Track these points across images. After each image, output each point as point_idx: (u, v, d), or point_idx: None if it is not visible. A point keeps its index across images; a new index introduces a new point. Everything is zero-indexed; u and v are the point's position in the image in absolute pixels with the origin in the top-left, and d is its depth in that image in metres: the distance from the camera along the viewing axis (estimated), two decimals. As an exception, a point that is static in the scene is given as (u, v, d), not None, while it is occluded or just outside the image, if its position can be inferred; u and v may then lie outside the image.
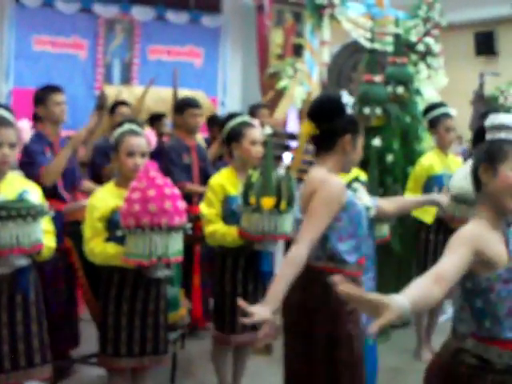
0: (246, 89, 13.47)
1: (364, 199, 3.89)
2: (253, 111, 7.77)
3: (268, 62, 12.27)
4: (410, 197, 3.81)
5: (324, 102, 3.68)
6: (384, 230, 5.36)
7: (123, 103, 7.50)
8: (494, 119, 2.86)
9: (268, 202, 4.47)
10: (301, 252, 3.33)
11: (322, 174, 3.50)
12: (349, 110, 3.61)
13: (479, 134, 2.91)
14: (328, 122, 3.55)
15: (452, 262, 2.60)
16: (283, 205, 4.49)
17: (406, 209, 4.35)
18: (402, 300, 2.37)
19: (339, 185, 3.50)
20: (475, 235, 2.72)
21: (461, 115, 8.15)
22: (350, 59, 8.13)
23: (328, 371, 3.48)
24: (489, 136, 2.84)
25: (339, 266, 3.50)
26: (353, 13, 8.45)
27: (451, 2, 15.20)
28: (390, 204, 3.76)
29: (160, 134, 7.82)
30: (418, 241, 6.12)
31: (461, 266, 2.61)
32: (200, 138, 7.58)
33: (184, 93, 8.59)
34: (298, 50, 11.43)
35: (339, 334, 3.48)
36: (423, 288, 2.52)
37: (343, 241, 3.51)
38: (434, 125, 6.13)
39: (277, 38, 12.88)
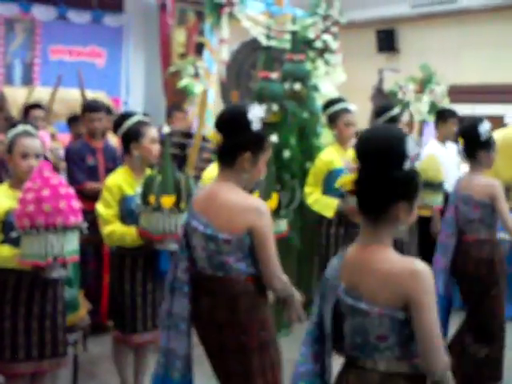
0: (149, 88, 13.40)
1: None
2: (169, 114, 7.78)
3: (171, 62, 12.24)
4: None
5: (228, 115, 3.64)
6: (282, 225, 5.40)
7: (37, 106, 7.45)
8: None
9: (168, 200, 4.49)
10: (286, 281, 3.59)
11: (245, 199, 3.55)
12: (254, 126, 3.51)
13: None
14: (230, 137, 3.52)
15: None
16: (183, 203, 4.52)
17: None
18: None
19: (267, 208, 3.58)
20: None
21: (362, 110, 8.28)
22: (250, 57, 8.17)
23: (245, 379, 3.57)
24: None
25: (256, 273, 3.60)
26: (252, 11, 8.47)
27: (353, 0, 15.49)
28: None
29: (78, 135, 7.73)
30: (319, 235, 6.19)
31: None
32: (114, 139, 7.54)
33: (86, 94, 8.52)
34: (200, 49, 11.43)
35: (251, 344, 3.56)
36: None
37: None
38: (333, 120, 6.21)
39: (180, 37, 12.87)
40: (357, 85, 13.63)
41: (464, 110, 15.16)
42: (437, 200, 6.73)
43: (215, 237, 3.48)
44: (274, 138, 6.30)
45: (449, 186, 7.11)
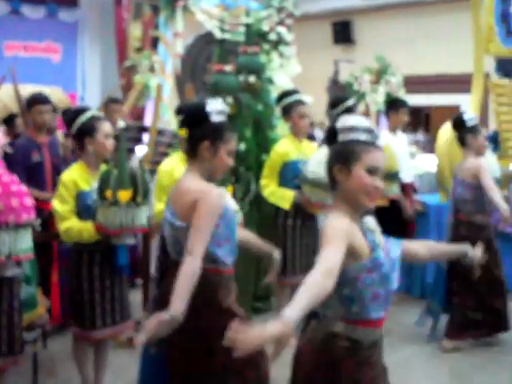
0: (106, 83, 13.33)
1: (232, 203, 3.94)
2: (105, 106, 7.71)
3: (127, 56, 12.18)
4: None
5: (188, 109, 3.83)
6: (237, 217, 5.40)
7: None
8: (344, 121, 3.01)
9: (125, 195, 4.48)
10: (197, 264, 3.45)
11: (199, 185, 3.66)
12: (214, 118, 3.69)
13: (331, 134, 3.08)
14: (192, 129, 3.71)
15: (336, 255, 2.74)
16: (140, 197, 4.52)
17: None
18: (289, 317, 2.53)
19: (218, 195, 3.65)
20: (347, 229, 2.89)
21: (318, 102, 8.32)
22: (205, 50, 8.15)
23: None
24: (341, 137, 3.02)
25: (220, 267, 3.71)
26: (206, 4, 8.47)
27: (309, -8, 15.56)
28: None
29: (15, 135, 7.64)
30: (275, 227, 6.20)
31: (342, 258, 2.76)
32: (60, 133, 7.47)
33: (42, 89, 8.41)
34: (156, 43, 11.40)
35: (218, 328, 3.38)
36: (316, 286, 2.64)
37: (221, 245, 3.68)
38: (287, 112, 6.22)
39: (135, 31, 12.82)
40: (313, 76, 13.70)
41: (420, 100, 15.34)
42: (393, 189, 6.77)
43: (173, 224, 3.68)
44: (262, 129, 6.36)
45: (402, 174, 7.18)
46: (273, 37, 7.91)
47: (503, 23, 8.46)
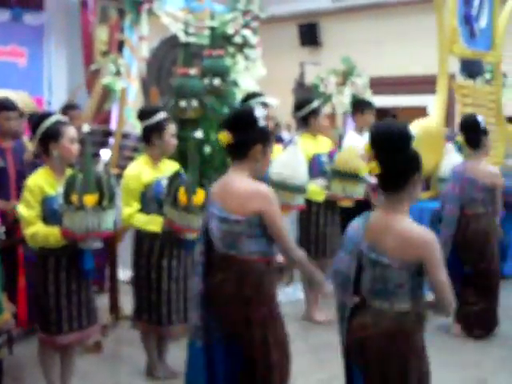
0: (72, 87, 13.22)
1: None
2: (64, 112, 7.64)
3: (93, 60, 12.11)
4: None
5: (238, 114, 4.21)
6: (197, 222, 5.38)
7: None
8: None
9: (90, 199, 4.48)
10: (301, 251, 4.18)
11: (256, 185, 4.10)
12: (261, 123, 4.08)
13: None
14: (241, 133, 4.05)
15: None
16: (106, 201, 4.52)
17: None
18: None
19: (273, 195, 4.13)
20: None
21: (285, 104, 8.34)
22: (170, 53, 8.12)
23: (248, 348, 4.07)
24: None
25: (266, 256, 4.13)
26: (171, 7, 8.45)
27: (276, -5, 15.57)
28: None
29: None
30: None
31: None
32: (26, 139, 7.40)
33: (8, 94, 8.33)
34: (122, 47, 11.36)
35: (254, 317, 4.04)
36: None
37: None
38: None
39: (102, 34, 12.75)
40: (280, 79, 13.73)
41: (387, 101, 15.41)
42: (358, 191, 6.80)
43: (227, 218, 4.02)
44: (198, 133, 6.34)
45: (369, 176, 7.21)
46: (238, 40, 7.89)
47: (466, 25, 8.54)
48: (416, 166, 3.51)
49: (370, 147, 3.46)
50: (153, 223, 5.26)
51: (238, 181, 4.10)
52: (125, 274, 7.41)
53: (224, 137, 4.13)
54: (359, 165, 6.69)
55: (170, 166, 5.47)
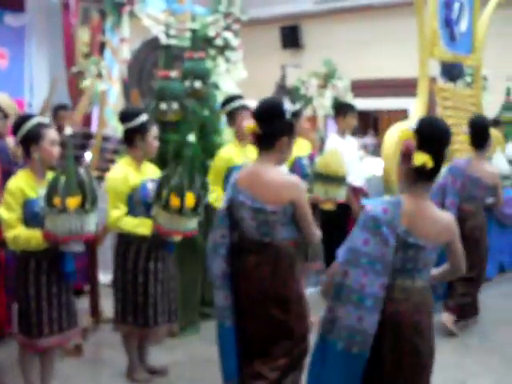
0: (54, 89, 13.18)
1: None
2: (55, 113, 7.62)
3: (75, 61, 12.07)
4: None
5: (267, 106, 4.34)
6: (193, 223, 5.38)
7: None
8: None
9: (73, 201, 4.46)
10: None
11: (287, 177, 4.41)
12: (288, 116, 4.28)
13: None
14: (269, 125, 4.24)
15: None
16: (88, 204, 4.51)
17: None
18: None
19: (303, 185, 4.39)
20: None
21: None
22: (151, 55, 8.12)
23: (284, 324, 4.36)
24: None
25: (296, 239, 4.42)
26: (153, 9, 8.46)
27: (257, -3, 15.60)
28: None
29: None
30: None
31: None
32: (11, 140, 7.38)
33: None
34: (104, 48, 11.34)
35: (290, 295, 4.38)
36: None
37: None
38: (232, 117, 6.24)
39: (83, 36, 12.68)
40: (262, 81, 13.73)
41: (368, 104, 15.47)
42: (340, 194, 6.79)
43: (263, 209, 4.24)
44: (191, 137, 6.36)
45: (351, 179, 7.23)
46: (219, 42, 7.92)
47: (447, 28, 8.59)
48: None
49: (416, 139, 3.66)
50: (142, 226, 5.24)
51: (269, 172, 4.30)
52: (105, 276, 7.40)
53: (252, 127, 4.31)
54: (341, 168, 6.70)
55: (151, 169, 5.46)
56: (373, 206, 3.74)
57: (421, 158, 3.57)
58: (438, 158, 3.62)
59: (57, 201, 4.45)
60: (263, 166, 4.32)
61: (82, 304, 6.52)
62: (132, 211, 5.27)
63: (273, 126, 4.25)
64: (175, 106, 6.31)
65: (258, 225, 4.32)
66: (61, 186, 4.48)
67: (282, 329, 4.36)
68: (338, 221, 7.38)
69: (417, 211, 3.67)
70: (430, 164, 3.58)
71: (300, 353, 4.44)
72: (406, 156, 3.65)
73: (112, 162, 6.84)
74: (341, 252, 3.80)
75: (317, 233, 4.47)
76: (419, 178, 3.66)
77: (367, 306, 3.63)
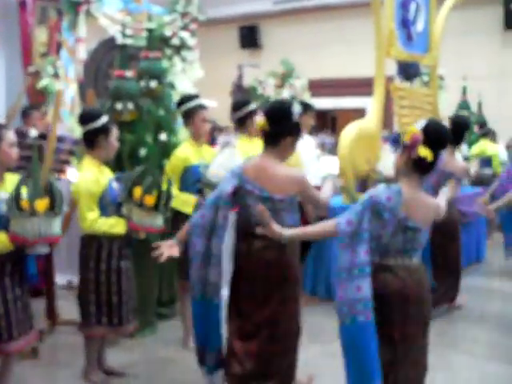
0: (11, 89, 13.05)
1: None
2: (26, 114, 7.56)
3: (32, 61, 11.99)
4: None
5: (278, 107, 4.73)
6: (159, 220, 5.37)
7: None
8: None
9: (42, 204, 4.46)
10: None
11: (294, 172, 4.74)
12: (295, 117, 4.60)
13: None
14: (277, 124, 4.59)
15: None
16: (57, 206, 4.53)
17: None
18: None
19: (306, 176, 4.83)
20: None
21: (224, 106, 8.35)
22: (108, 55, 8.06)
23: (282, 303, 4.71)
24: None
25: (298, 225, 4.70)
26: (110, 9, 8.42)
27: (216, -3, 15.60)
28: None
29: None
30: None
31: None
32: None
33: None
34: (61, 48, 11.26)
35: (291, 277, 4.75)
36: None
37: None
38: (188, 116, 6.22)
39: (41, 35, 12.60)
40: (219, 81, 13.76)
41: (326, 103, 15.56)
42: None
43: (271, 198, 4.59)
44: (163, 136, 6.36)
45: (309, 177, 7.24)
46: (175, 42, 7.90)
47: (403, 28, 8.65)
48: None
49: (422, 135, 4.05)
50: (117, 226, 5.24)
51: (274, 166, 4.64)
52: (61, 278, 7.36)
53: (262, 123, 4.64)
54: (301, 167, 6.74)
55: (107, 170, 5.45)
56: (378, 193, 4.07)
57: (424, 151, 3.96)
58: (436, 156, 4.02)
59: (24, 204, 4.43)
60: (268, 161, 4.66)
61: (38, 306, 6.47)
62: (103, 212, 5.25)
63: (280, 126, 4.61)
64: (130, 105, 6.29)
65: None
66: (28, 188, 4.46)
67: (276, 311, 4.68)
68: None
69: (414, 199, 4.08)
70: (430, 158, 3.97)
71: (288, 336, 4.77)
72: (411, 147, 3.98)
73: (67, 163, 6.80)
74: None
75: (324, 199, 4.91)
76: (416, 169, 4.04)
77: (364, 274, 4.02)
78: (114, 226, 5.24)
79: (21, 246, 4.57)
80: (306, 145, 7.57)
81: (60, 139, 6.92)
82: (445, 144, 4.13)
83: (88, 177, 5.25)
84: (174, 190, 6.06)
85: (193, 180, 6.05)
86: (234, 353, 4.75)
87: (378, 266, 4.11)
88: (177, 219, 6.05)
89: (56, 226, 4.59)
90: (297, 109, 4.66)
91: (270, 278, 4.67)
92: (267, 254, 4.66)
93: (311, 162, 7.48)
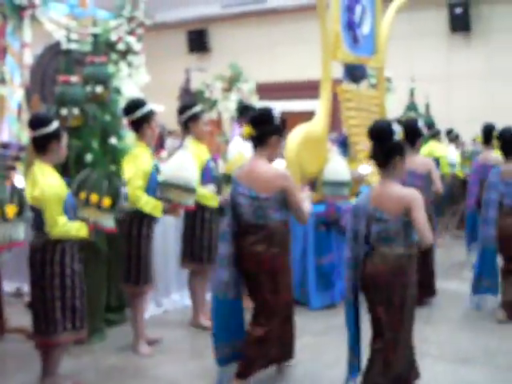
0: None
1: None
2: None
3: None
4: None
5: (260, 113, 5.45)
6: (111, 220, 5.35)
7: None
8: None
9: (12, 209, 4.52)
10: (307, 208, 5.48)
11: (278, 169, 5.43)
12: (277, 120, 5.35)
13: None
14: (262, 127, 5.31)
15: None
16: (27, 211, 4.64)
17: None
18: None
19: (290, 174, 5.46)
20: None
21: (172, 110, 8.34)
22: (54, 60, 7.98)
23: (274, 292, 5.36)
24: (396, 137, 4.90)
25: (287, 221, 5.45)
26: (55, 13, 8.37)
27: (164, 2, 15.54)
28: None
29: None
30: (130, 236, 6.15)
31: None
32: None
33: None
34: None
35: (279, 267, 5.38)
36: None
37: None
38: (140, 124, 6.20)
39: (-15, 41, 12.45)
40: (168, 85, 13.69)
41: (276, 106, 15.56)
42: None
43: (258, 197, 5.25)
44: (110, 141, 6.34)
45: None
46: (121, 46, 7.88)
47: (349, 31, 8.71)
48: (398, 151, 4.88)
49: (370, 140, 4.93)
50: (82, 229, 5.20)
51: (262, 166, 5.31)
52: (9, 286, 7.30)
53: (248, 130, 5.34)
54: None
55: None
56: (357, 199, 5.02)
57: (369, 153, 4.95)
58: (383, 151, 4.84)
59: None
60: (257, 162, 5.35)
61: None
62: (67, 216, 5.21)
63: (264, 128, 5.32)
64: (76, 111, 6.24)
65: (253, 210, 5.29)
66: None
67: (271, 296, 5.32)
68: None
69: (382, 192, 4.81)
70: (372, 154, 4.89)
71: (286, 311, 5.50)
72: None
73: (12, 169, 6.72)
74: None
75: (306, 212, 5.43)
76: (376, 165, 4.92)
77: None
78: (80, 229, 5.20)
79: None
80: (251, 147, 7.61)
81: (5, 145, 6.87)
82: (387, 140, 4.81)
83: (54, 182, 5.19)
84: (144, 196, 6.06)
85: (152, 185, 6.13)
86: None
87: (366, 253, 4.90)
88: (131, 223, 6.08)
89: (21, 231, 4.67)
90: (277, 112, 5.39)
91: (260, 269, 5.30)
92: (256, 247, 5.28)
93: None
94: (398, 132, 4.91)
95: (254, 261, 5.31)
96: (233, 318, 5.46)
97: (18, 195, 4.59)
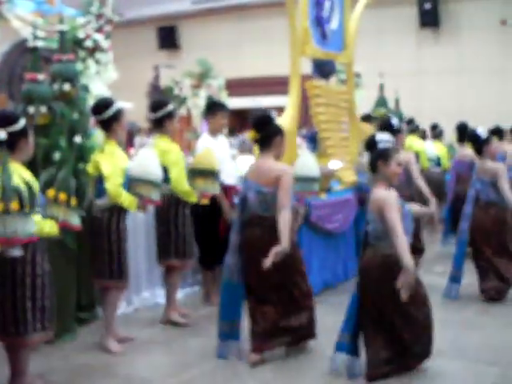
0: None
1: None
2: None
3: None
4: None
5: (260, 117, 5.97)
6: (76, 218, 5.34)
7: None
8: (381, 136, 5.63)
9: (15, 205, 4.56)
10: (289, 213, 5.67)
11: (280, 165, 5.88)
12: (276, 121, 5.95)
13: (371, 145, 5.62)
14: (264, 130, 5.85)
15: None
16: (26, 207, 4.65)
17: None
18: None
19: (291, 172, 5.99)
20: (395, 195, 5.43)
21: (141, 107, 8.32)
22: (21, 58, 7.91)
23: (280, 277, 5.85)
24: (380, 145, 5.53)
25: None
26: (22, 10, 8.30)
27: (134, -2, 15.50)
28: None
29: None
30: (103, 233, 6.13)
31: None
32: None
33: None
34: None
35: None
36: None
37: None
38: (110, 123, 6.18)
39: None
40: (137, 82, 13.67)
41: (245, 102, 15.62)
42: (214, 187, 6.88)
43: (262, 191, 5.78)
44: (77, 139, 6.32)
45: (223, 177, 7.29)
46: (89, 44, 7.83)
47: (318, 27, 8.72)
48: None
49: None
50: (53, 228, 5.16)
51: (266, 163, 5.85)
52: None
53: (252, 134, 5.91)
54: (214, 164, 6.78)
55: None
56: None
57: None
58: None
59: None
60: (264, 161, 5.88)
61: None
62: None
63: (267, 131, 5.84)
64: (43, 109, 6.21)
65: (259, 203, 5.81)
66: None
67: (276, 280, 5.81)
68: (210, 218, 7.46)
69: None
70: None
71: (293, 295, 5.96)
72: None
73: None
74: None
75: (286, 211, 5.65)
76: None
77: None
78: (52, 227, 5.17)
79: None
80: (220, 145, 7.61)
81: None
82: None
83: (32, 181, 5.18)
84: (124, 191, 6.07)
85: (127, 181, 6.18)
86: (252, 314, 5.95)
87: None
88: (109, 220, 6.09)
89: (31, 225, 4.72)
90: (275, 114, 5.97)
91: (265, 255, 5.52)
92: (262, 237, 5.74)
93: (226, 162, 7.53)
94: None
95: (260, 249, 5.61)
96: (234, 300, 5.98)
97: (20, 190, 4.66)
